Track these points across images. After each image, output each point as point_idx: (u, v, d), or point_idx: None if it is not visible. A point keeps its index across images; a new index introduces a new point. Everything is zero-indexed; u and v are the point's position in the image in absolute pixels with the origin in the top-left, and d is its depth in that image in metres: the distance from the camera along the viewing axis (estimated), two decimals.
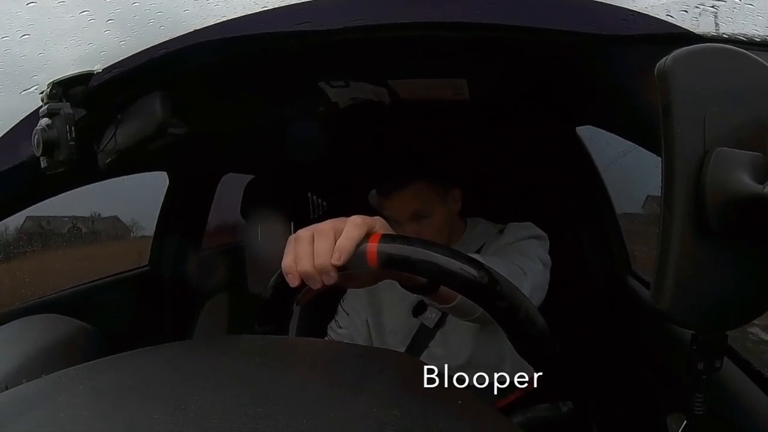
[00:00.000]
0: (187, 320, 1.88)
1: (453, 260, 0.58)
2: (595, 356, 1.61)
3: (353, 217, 0.63)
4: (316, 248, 0.62)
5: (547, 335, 0.61)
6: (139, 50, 0.77)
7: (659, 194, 0.43)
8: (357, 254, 0.60)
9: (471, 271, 0.58)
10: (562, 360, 0.63)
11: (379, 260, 0.60)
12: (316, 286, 0.63)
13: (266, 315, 0.69)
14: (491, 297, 0.59)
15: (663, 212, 0.42)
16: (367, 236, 0.61)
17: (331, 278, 0.61)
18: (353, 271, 0.62)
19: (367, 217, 0.63)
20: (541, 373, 0.68)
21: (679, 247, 0.42)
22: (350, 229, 0.61)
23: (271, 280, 0.66)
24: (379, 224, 0.64)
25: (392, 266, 0.60)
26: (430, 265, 0.58)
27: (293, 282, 0.62)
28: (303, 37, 0.74)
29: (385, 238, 0.61)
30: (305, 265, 0.61)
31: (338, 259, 0.60)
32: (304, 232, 0.64)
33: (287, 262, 0.63)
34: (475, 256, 0.84)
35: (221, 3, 0.79)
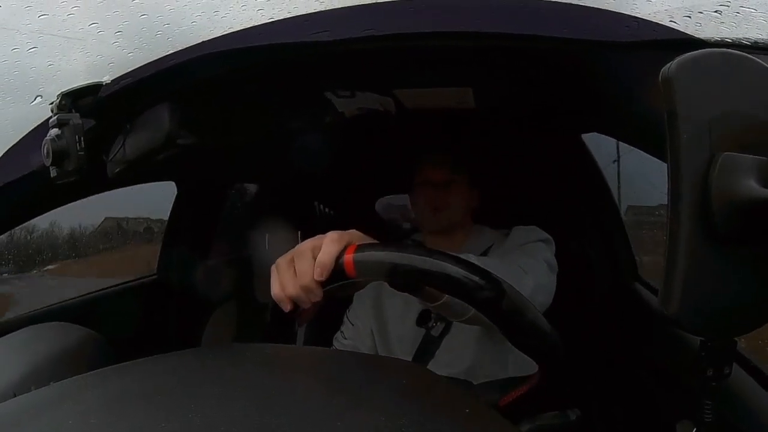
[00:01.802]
0: (195, 329, 1.88)
1: (428, 258, 0.59)
2: (602, 362, 1.59)
3: (330, 233, 0.65)
4: (297, 269, 0.64)
5: (538, 323, 0.61)
6: (148, 62, 0.78)
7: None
8: (336, 268, 0.62)
9: (446, 266, 0.58)
10: (563, 353, 0.63)
11: (356, 269, 0.61)
12: (305, 305, 0.65)
13: (270, 339, 0.70)
14: (469, 289, 0.59)
15: (670, 218, 0.42)
16: (345, 250, 0.63)
17: (317, 295, 0.64)
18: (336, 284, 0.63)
19: (343, 232, 0.65)
20: (545, 368, 0.67)
21: (686, 252, 0.41)
22: (328, 244, 0.63)
23: (269, 307, 0.68)
24: (356, 237, 0.66)
25: (370, 274, 0.61)
26: (406, 266, 0.59)
27: (285, 308, 0.65)
28: (310, 48, 0.75)
29: (360, 247, 0.63)
30: (291, 289, 0.64)
31: (320, 274, 0.62)
32: (283, 259, 0.66)
33: (275, 290, 0.65)
34: (473, 257, 0.84)
35: (228, 15, 0.79)
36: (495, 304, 0.60)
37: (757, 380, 0.87)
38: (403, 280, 0.66)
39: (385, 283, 0.72)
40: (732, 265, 0.42)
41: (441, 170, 1.32)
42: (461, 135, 1.53)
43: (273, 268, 0.67)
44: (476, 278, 0.59)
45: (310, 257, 0.64)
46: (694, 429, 0.53)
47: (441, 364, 1.20)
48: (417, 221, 1.41)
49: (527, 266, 1.02)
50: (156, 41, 0.81)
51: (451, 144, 1.38)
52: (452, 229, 1.33)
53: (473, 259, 0.86)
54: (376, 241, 0.66)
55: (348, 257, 0.62)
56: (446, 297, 0.78)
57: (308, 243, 0.65)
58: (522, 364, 1.21)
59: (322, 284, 0.63)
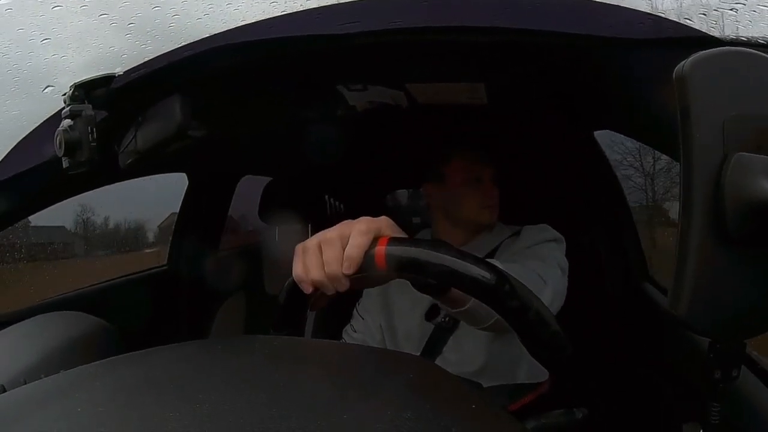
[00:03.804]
0: (204, 320, 1.90)
1: (460, 261, 0.58)
2: (610, 363, 1.59)
3: (359, 222, 0.63)
4: (324, 257, 0.62)
5: (559, 336, 0.61)
6: (160, 53, 0.78)
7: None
8: (366, 260, 0.60)
9: (479, 271, 0.58)
10: (575, 362, 0.63)
11: (387, 264, 0.60)
12: (329, 292, 0.63)
13: (281, 321, 0.70)
14: (500, 297, 0.58)
15: (681, 218, 0.41)
16: (375, 240, 0.61)
17: (344, 285, 0.62)
18: (364, 274, 0.62)
19: (372, 220, 0.63)
20: (555, 376, 0.67)
21: (697, 253, 0.41)
22: (357, 237, 0.61)
23: (284, 286, 0.67)
24: (385, 226, 0.63)
25: (401, 269, 0.60)
26: (438, 266, 0.58)
27: (307, 290, 0.63)
28: (321, 41, 0.75)
29: (392, 241, 0.61)
30: (316, 274, 0.62)
31: (348, 268, 0.60)
32: (310, 242, 0.64)
33: (297, 271, 0.63)
34: (496, 262, 0.83)
35: (241, 7, 0.80)
36: (523, 314, 0.59)
37: (766, 383, 0.86)
38: (434, 279, 0.65)
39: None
40: (743, 266, 0.42)
41: (491, 166, 1.29)
42: (488, 130, 1.51)
43: (298, 248, 0.65)
44: (508, 287, 0.58)
45: (339, 246, 0.62)
46: (701, 431, 0.53)
47: (450, 363, 1.20)
48: (449, 216, 1.33)
49: (545, 274, 1.01)
50: (168, 33, 0.81)
51: (484, 140, 1.34)
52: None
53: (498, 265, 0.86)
54: (406, 236, 0.65)
55: (380, 249, 0.60)
56: (470, 304, 0.77)
57: (336, 230, 0.63)
58: (533, 372, 1.21)
59: (349, 275, 0.61)
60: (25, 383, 0.50)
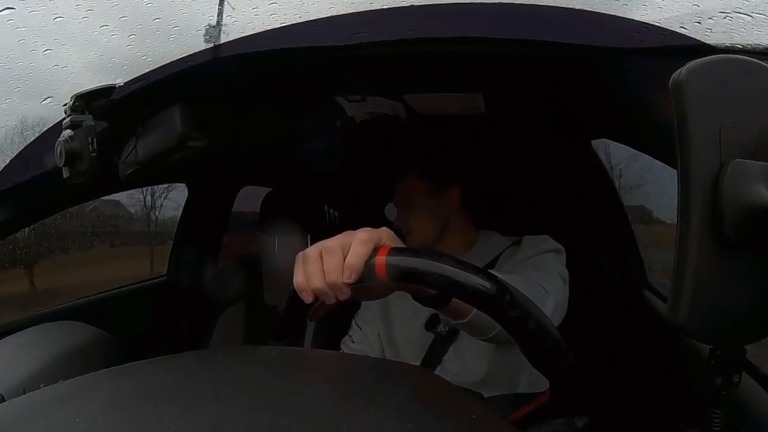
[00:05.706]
0: (204, 330, 1.90)
1: (461, 271, 0.58)
2: (612, 370, 1.58)
3: (360, 232, 0.63)
4: (326, 266, 0.62)
5: (560, 345, 0.60)
6: (160, 65, 0.79)
7: None
8: (366, 269, 0.61)
9: (479, 281, 0.58)
10: (576, 371, 0.62)
11: (387, 273, 0.60)
12: (330, 301, 0.63)
13: (280, 330, 0.69)
14: (500, 307, 0.58)
15: (680, 225, 0.42)
16: (376, 250, 0.62)
17: (345, 294, 0.62)
18: (365, 285, 0.62)
19: (373, 231, 0.64)
20: (556, 385, 0.67)
21: (696, 259, 0.41)
22: (358, 246, 0.61)
23: (285, 295, 0.67)
24: (385, 236, 0.64)
25: (401, 278, 0.60)
26: (438, 276, 0.58)
27: (308, 299, 0.63)
28: (320, 52, 0.75)
29: (392, 251, 0.61)
30: (317, 283, 0.62)
31: (349, 277, 0.61)
32: (311, 251, 0.64)
33: (298, 280, 0.64)
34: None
35: (240, 19, 0.80)
36: (523, 324, 0.59)
37: (767, 389, 0.86)
38: (434, 289, 0.65)
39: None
40: (742, 272, 0.42)
41: (397, 196, 1.32)
42: (472, 138, 1.51)
43: (299, 256, 0.65)
44: (508, 297, 0.58)
45: (340, 255, 0.62)
46: None
47: (450, 372, 1.20)
48: None
49: (546, 285, 1.01)
50: (169, 45, 0.82)
51: (395, 157, 1.35)
52: (441, 240, 1.29)
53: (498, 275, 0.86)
54: (405, 246, 0.65)
55: (380, 259, 0.60)
56: (472, 315, 0.76)
57: (338, 240, 0.64)
58: (534, 381, 1.21)
59: (350, 285, 0.62)
60: (25, 393, 0.50)
